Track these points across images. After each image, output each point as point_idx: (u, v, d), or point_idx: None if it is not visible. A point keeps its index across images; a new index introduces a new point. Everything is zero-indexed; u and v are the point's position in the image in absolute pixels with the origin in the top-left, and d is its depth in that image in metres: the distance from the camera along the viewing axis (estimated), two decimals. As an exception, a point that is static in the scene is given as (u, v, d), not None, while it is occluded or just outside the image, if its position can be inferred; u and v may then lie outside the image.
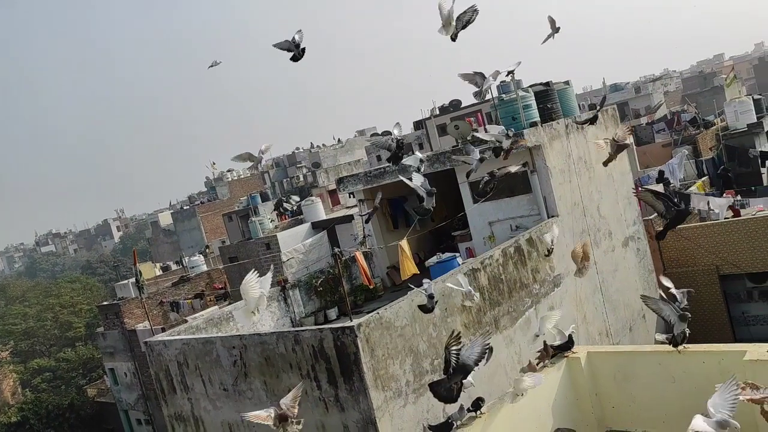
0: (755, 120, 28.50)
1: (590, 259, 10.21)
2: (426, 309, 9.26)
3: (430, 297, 9.04)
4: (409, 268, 14.67)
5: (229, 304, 16.82)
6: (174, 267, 42.54)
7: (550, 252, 11.92)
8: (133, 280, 29.77)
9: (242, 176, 63.60)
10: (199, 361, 11.58)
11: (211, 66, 9.06)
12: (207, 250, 43.88)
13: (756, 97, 32.73)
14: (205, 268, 34.56)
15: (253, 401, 10.83)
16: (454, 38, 7.41)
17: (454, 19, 7.36)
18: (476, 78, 8.19)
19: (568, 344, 9.09)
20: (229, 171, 64.68)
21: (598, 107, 10.92)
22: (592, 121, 10.12)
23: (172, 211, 72.43)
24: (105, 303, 35.33)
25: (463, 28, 7.36)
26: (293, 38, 7.58)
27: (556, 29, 7.01)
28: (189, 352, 11.74)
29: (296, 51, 7.65)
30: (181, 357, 11.89)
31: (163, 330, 21.02)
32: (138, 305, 29.53)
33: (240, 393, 11.00)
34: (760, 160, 25.30)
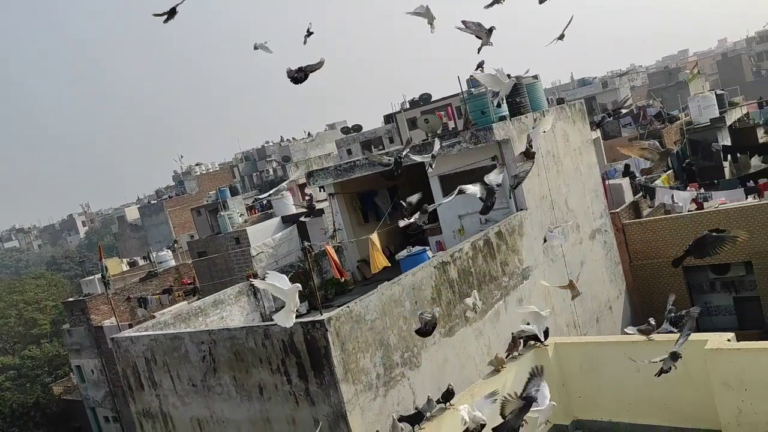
0: (718, 115, 29.11)
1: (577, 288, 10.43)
2: (422, 332, 8.79)
3: (429, 319, 8.58)
4: (380, 261, 14.71)
5: (198, 299, 16.66)
6: (141, 262, 42.00)
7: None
8: (99, 275, 29.30)
9: (211, 170, 62.96)
10: (167, 357, 11.44)
11: (257, 48, 8.67)
12: (175, 245, 43.41)
13: (719, 92, 33.42)
14: (173, 263, 34.19)
15: (223, 396, 10.76)
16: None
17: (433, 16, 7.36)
18: (478, 30, 7.73)
19: (542, 336, 9.23)
20: (197, 165, 63.94)
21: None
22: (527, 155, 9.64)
23: (139, 205, 71.43)
24: (71, 299, 34.77)
25: None
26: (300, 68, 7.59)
27: (561, 36, 7.10)
28: (157, 348, 11.59)
29: (299, 75, 7.61)
30: (149, 353, 11.73)
31: (131, 326, 20.74)
32: (104, 301, 29.09)
33: (209, 389, 10.91)
34: (722, 154, 25.85)
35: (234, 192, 38.70)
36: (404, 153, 8.85)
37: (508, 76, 16.42)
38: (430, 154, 8.92)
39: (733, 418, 7.52)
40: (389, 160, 8.61)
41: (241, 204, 36.24)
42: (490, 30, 7.04)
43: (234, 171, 59.69)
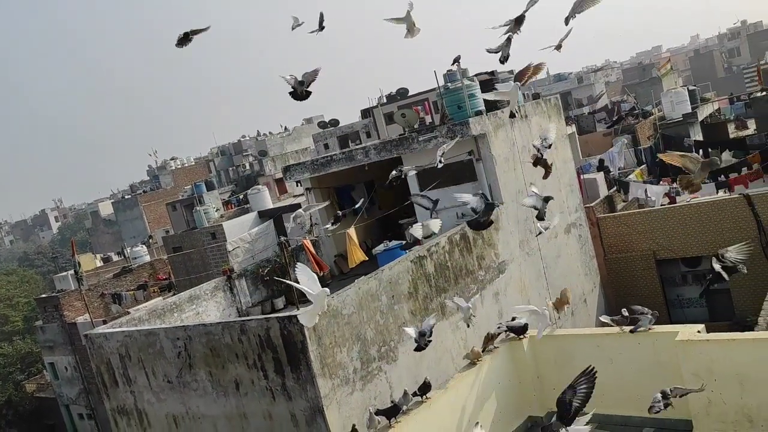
0: (690, 110, 29.59)
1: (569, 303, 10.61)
2: (418, 348, 8.61)
3: (422, 335, 8.42)
4: (358, 255, 14.71)
5: (174, 295, 16.51)
6: (115, 258, 41.54)
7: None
8: (72, 271, 28.89)
9: (186, 165, 62.33)
10: (141, 354, 11.34)
11: (294, 27, 8.45)
12: (150, 240, 42.97)
13: (691, 88, 33.95)
14: (148, 258, 33.84)
15: (199, 392, 10.70)
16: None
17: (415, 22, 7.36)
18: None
19: (522, 329, 9.35)
20: (172, 159, 63.25)
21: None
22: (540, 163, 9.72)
23: (113, 200, 70.38)
24: (43, 296, 34.19)
25: None
26: (300, 79, 7.50)
27: (558, 46, 7.15)
28: (131, 345, 11.48)
29: (300, 89, 7.54)
30: (123, 349, 11.62)
31: (105, 322, 20.47)
32: (78, 297, 28.70)
33: (185, 385, 10.83)
34: (694, 149, 26.26)
35: (210, 187, 38.42)
36: (405, 169, 8.92)
37: (489, 73, 16.59)
38: (438, 160, 9.01)
39: (702, 408, 7.68)
40: (396, 173, 8.75)
41: (217, 199, 35.99)
42: (520, 19, 6.98)
43: (210, 165, 59.14)
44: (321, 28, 7.83)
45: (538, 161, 9.16)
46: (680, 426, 7.54)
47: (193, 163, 62.89)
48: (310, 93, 7.56)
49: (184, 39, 7.26)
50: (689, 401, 7.70)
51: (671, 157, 7.56)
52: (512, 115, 9.36)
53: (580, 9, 6.44)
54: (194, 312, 13.69)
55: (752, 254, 18.21)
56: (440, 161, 9.07)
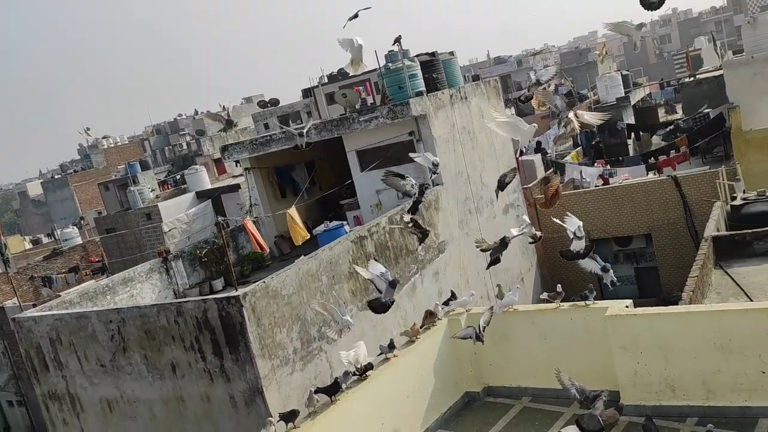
0: (623, 94, 30.48)
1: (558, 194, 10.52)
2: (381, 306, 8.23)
3: (392, 284, 8.00)
4: (301, 234, 14.62)
5: (107, 277, 16.02)
6: (45, 240, 40.09)
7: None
8: (-2, 254, 27.63)
9: (120, 144, 60.30)
10: (73, 337, 11.00)
11: (351, 19, 8.35)
12: (82, 222, 41.58)
13: (624, 72, 34.96)
14: (79, 240, 32.71)
15: (133, 376, 10.47)
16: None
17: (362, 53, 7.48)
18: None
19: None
20: (104, 138, 61.05)
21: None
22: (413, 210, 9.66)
23: (42, 180, 67.55)
24: (-33, 279, 32.60)
25: None
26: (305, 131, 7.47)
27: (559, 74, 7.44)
28: (62, 328, 11.11)
29: (301, 140, 7.50)
30: (54, 333, 11.23)
31: (35, 306, 19.72)
32: (5, 281, 27.50)
33: (119, 368, 10.58)
34: (626, 132, 27.14)
35: (145, 166, 37.34)
36: (423, 185, 8.82)
37: (430, 54, 16.61)
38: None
39: (629, 379, 8.02)
40: (414, 190, 8.61)
41: (153, 179, 35.04)
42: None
43: (145, 145, 57.36)
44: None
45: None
46: (609, 397, 7.83)
47: (127, 142, 60.87)
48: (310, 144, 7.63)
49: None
50: (617, 373, 8.03)
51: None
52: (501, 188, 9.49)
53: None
54: (128, 294, 13.34)
55: (678, 233, 19.03)
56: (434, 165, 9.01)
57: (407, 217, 8.96)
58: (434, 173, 9.80)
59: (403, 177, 8.66)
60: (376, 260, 8.43)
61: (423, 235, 8.83)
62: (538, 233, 9.15)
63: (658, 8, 7.49)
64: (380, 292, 7.98)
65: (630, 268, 20.12)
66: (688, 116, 26.17)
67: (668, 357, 7.74)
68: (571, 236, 8.59)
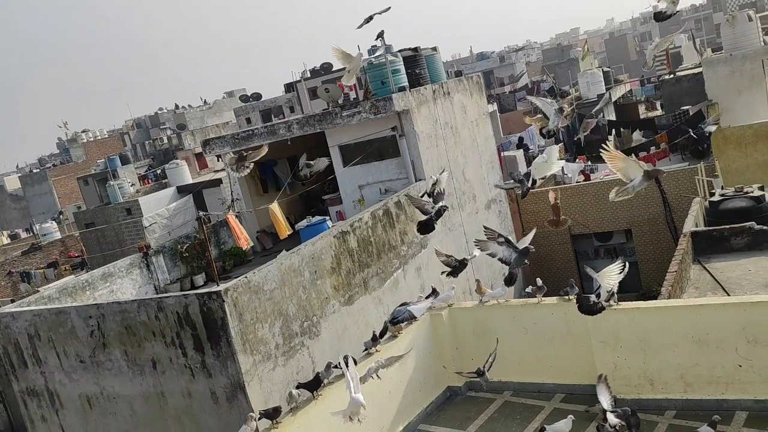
0: (604, 91, 30.71)
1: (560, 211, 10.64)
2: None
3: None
4: (285, 228, 14.55)
5: (87, 272, 15.86)
6: (24, 235, 39.56)
7: None
8: (-25, 249, 27.27)
9: (99, 137, 59.61)
10: (52, 333, 10.87)
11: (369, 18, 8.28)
12: (61, 217, 41.12)
13: (605, 69, 35.24)
14: (58, 235, 32.35)
15: (113, 372, 10.38)
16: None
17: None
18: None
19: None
20: (84, 132, 60.31)
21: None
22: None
23: (20, 174, 66.56)
24: (-57, 275, 32.08)
25: None
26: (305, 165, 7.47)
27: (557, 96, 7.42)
28: (41, 324, 10.97)
29: (305, 173, 7.50)
30: (32, 329, 11.09)
31: (13, 302, 19.47)
32: (-18, 276, 27.12)
33: (98, 364, 10.48)
34: (607, 129, 27.35)
35: (125, 160, 36.94)
36: (441, 205, 8.79)
37: (413, 49, 16.60)
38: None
39: (609, 373, 8.07)
40: (431, 209, 8.61)
41: (133, 173, 34.71)
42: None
43: (125, 139, 56.74)
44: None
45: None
46: (589, 391, 7.92)
47: (107, 136, 60.20)
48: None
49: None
50: (597, 366, 8.11)
51: (612, 158, 7.13)
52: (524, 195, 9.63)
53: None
54: (108, 290, 13.20)
55: (658, 228, 19.23)
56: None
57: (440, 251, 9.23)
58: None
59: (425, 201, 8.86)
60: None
61: (460, 265, 8.89)
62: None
63: (669, 18, 7.56)
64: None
65: (611, 263, 20.29)
66: (668, 113, 26.43)
67: (647, 351, 7.85)
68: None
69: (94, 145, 56.89)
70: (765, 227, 14.42)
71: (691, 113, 23.34)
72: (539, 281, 8.85)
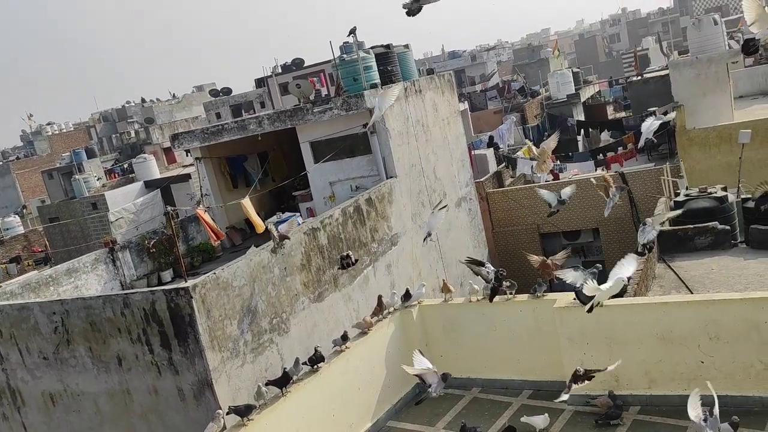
0: (574, 91, 31.15)
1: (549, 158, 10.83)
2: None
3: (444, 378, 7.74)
4: (261, 223, 14.40)
5: (51, 267, 15.53)
6: (-15, 229, 38.42)
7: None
8: (-67, 243, 26.53)
9: (65, 130, 58.39)
10: (14, 329, 10.61)
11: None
12: (24, 211, 40.20)
13: (575, 70, 35.71)
14: (21, 230, 31.64)
15: (78, 369, 10.18)
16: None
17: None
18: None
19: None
20: (49, 124, 59.03)
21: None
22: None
23: (-19, 167, 64.82)
24: None
25: None
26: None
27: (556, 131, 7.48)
28: (2, 320, 10.71)
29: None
30: (-7, 326, 10.82)
31: (-28, 298, 18.95)
32: (-59, 272, 26.35)
33: (62, 361, 10.27)
34: (576, 128, 27.74)
35: (91, 154, 36.28)
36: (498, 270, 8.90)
37: (385, 46, 16.58)
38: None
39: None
40: (489, 274, 8.82)
41: (99, 167, 34.11)
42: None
43: (91, 132, 55.65)
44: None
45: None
46: (556, 387, 8.01)
47: (72, 129, 59.00)
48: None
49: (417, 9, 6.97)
50: (563, 364, 8.21)
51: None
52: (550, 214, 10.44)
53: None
54: (73, 286, 12.94)
55: (625, 227, 19.56)
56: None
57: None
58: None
59: (482, 264, 8.98)
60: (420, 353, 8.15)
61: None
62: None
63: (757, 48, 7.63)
64: (429, 386, 7.76)
65: (578, 262, 20.57)
66: (636, 114, 26.89)
67: (613, 347, 7.97)
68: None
69: (59, 138, 55.74)
70: (727, 227, 14.78)
71: (657, 114, 23.79)
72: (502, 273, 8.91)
